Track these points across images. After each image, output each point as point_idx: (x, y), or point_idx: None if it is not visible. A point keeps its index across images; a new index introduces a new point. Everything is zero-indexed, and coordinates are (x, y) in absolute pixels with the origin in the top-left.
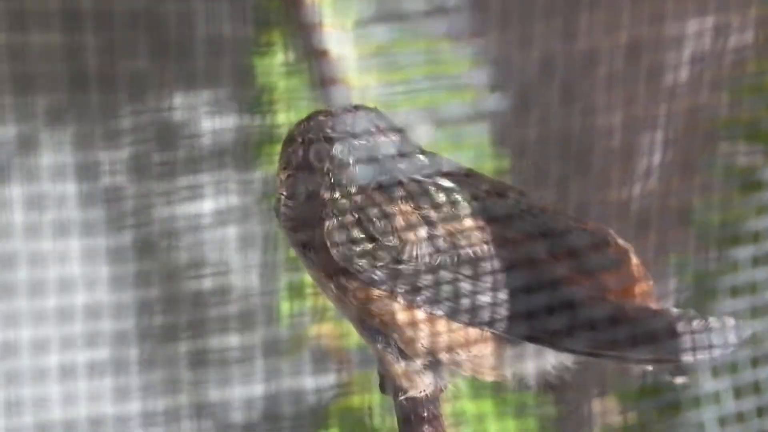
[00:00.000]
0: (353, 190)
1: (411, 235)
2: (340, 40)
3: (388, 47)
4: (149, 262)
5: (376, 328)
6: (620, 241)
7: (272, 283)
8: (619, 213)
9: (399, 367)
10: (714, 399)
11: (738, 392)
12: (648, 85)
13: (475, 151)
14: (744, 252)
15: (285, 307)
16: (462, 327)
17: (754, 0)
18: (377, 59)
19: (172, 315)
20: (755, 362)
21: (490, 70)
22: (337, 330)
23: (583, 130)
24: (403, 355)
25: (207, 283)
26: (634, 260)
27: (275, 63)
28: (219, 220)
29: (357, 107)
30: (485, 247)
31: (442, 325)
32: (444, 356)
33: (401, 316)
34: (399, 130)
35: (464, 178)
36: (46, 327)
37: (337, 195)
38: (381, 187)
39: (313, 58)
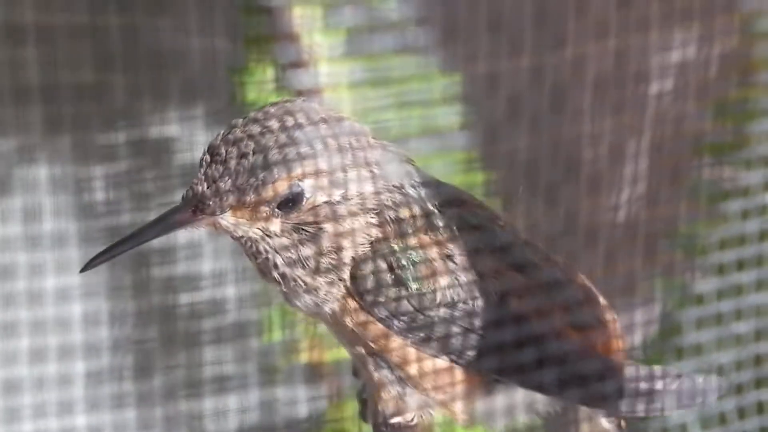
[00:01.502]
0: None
1: (441, 282)
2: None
3: (361, 63)
4: (144, 273)
5: (383, 358)
6: (601, 298)
7: (264, 300)
8: (606, 222)
9: (393, 391)
10: None
11: None
12: (634, 92)
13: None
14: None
15: (276, 332)
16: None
17: (738, 7)
18: (349, 75)
19: (147, 329)
20: (739, 365)
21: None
22: (327, 353)
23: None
24: (402, 383)
25: (201, 296)
26: (611, 317)
27: (254, 78)
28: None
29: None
30: (493, 296)
31: (448, 372)
32: (441, 396)
33: (413, 364)
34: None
35: (484, 213)
36: (44, 336)
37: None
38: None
39: (290, 72)
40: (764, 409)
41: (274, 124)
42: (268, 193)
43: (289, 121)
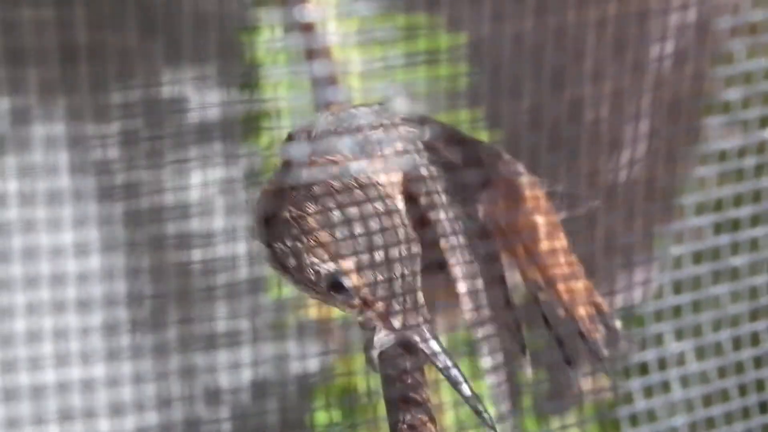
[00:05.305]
0: None
1: None
2: (323, 14)
3: (369, 22)
4: (139, 232)
5: None
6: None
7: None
8: (606, 195)
9: None
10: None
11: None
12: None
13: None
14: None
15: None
16: None
17: None
18: (358, 35)
19: (162, 285)
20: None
21: (468, 45)
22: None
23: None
24: None
25: (196, 254)
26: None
27: (263, 38)
28: (208, 192)
29: None
30: None
31: None
32: None
33: None
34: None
35: None
36: (41, 294)
37: None
38: None
39: (298, 33)
40: (759, 340)
41: None
42: None
43: None
